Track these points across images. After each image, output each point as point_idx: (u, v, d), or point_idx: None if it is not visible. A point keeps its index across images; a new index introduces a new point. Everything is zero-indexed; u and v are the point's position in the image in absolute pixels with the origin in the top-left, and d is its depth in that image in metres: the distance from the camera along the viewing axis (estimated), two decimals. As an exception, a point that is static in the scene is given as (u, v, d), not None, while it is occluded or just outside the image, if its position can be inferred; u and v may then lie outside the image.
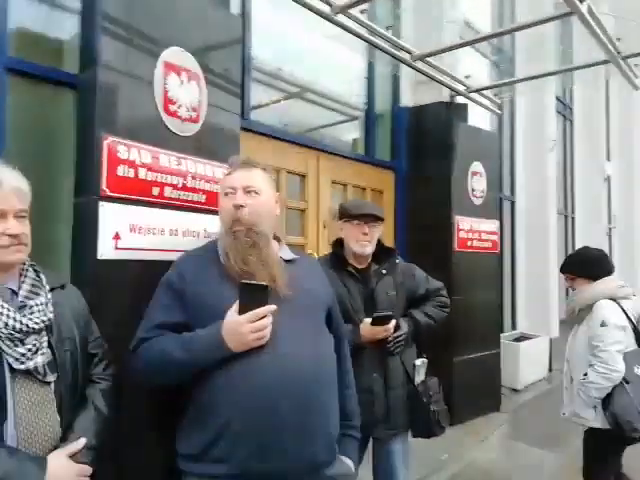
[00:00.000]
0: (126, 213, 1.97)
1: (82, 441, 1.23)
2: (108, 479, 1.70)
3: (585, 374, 2.38)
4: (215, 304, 1.37)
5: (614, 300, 2.47)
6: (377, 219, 2.18)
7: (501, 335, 5.35)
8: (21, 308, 1.20)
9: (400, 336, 2.12)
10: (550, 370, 6.38)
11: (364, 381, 1.99)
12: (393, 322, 2.08)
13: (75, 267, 2.02)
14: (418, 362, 2.20)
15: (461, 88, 4.54)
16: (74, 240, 2.03)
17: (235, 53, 2.59)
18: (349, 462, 1.54)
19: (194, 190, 2.20)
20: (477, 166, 4.61)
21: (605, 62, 3.78)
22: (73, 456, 1.20)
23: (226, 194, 1.51)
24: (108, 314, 1.80)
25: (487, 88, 4.83)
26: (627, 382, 2.28)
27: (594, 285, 2.55)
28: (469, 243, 4.49)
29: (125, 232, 1.96)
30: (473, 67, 4.97)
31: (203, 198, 2.23)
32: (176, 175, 2.14)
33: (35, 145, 2.24)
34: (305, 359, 1.37)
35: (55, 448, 1.19)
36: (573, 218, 9.01)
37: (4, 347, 1.13)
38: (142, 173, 2.02)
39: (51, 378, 1.21)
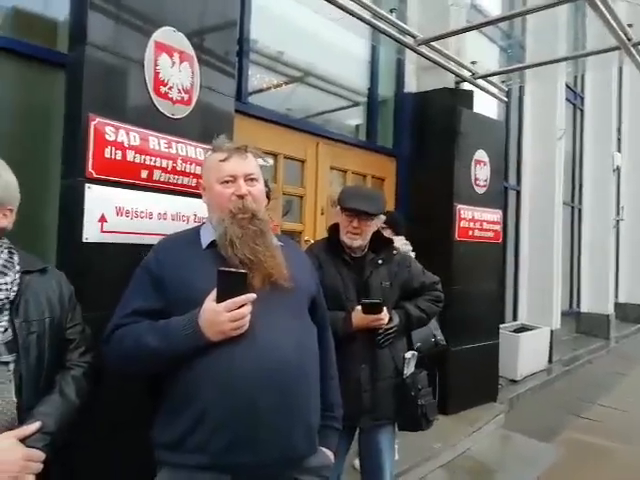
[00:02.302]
0: (113, 196, 1.94)
1: (36, 425, 1.20)
2: (84, 466, 1.72)
3: None
4: (193, 291, 1.33)
5: None
6: (369, 215, 2.08)
7: (501, 326, 5.32)
8: None
9: (391, 328, 2.08)
10: (550, 362, 6.36)
11: (352, 371, 1.97)
12: (386, 311, 2.05)
13: (60, 250, 2.00)
14: (408, 355, 2.17)
15: (467, 74, 4.45)
16: (60, 223, 2.01)
17: (231, 35, 2.54)
18: (328, 453, 1.52)
19: (184, 174, 2.17)
20: (481, 154, 4.54)
21: (616, 49, 3.68)
22: (24, 439, 1.17)
23: (224, 182, 1.46)
24: (92, 298, 1.79)
25: (494, 74, 4.74)
26: None
27: None
28: (470, 232, 4.43)
29: (111, 215, 1.94)
30: (480, 53, 4.86)
31: (194, 182, 2.20)
32: (166, 158, 2.10)
33: (25, 126, 2.21)
34: (285, 349, 1.34)
35: (10, 430, 1.17)
36: (580, 209, 8.89)
37: None
38: (130, 155, 1.99)
39: (8, 358, 1.20)
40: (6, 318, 1.22)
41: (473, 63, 4.53)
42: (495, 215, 4.73)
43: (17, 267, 1.29)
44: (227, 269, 1.29)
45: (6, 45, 2.15)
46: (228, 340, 1.29)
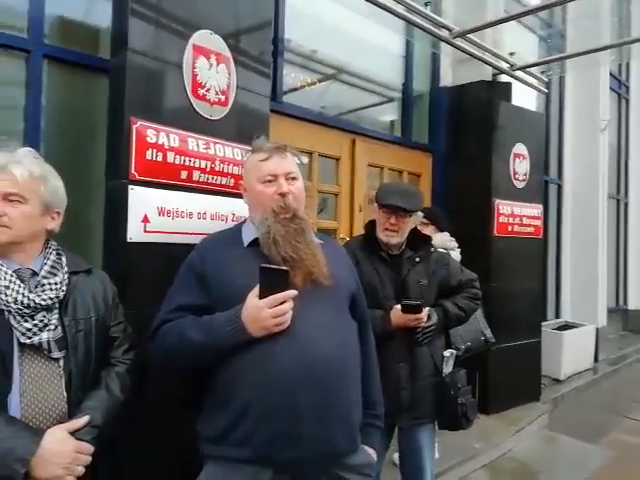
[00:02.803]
0: (155, 197, 2.00)
1: (85, 419, 1.24)
2: (131, 460, 1.78)
3: None
4: (236, 288, 1.36)
5: None
6: (407, 211, 2.07)
7: (543, 323, 5.17)
8: (36, 287, 1.25)
9: (430, 327, 2.06)
10: (596, 360, 6.13)
11: (391, 369, 1.96)
12: (426, 311, 2.03)
13: (106, 250, 2.07)
14: (447, 353, 2.14)
15: (505, 66, 4.34)
16: (105, 223, 2.08)
17: (266, 35, 2.56)
18: (371, 451, 1.52)
19: (222, 174, 2.21)
20: (520, 148, 4.41)
21: (664, 34, 3.51)
22: (74, 432, 1.21)
23: (266, 181, 1.48)
24: (136, 296, 1.85)
25: (533, 65, 4.60)
26: None
27: None
28: (510, 228, 4.33)
29: (154, 215, 1.99)
30: (518, 43, 4.72)
31: (232, 182, 2.24)
32: (204, 159, 2.14)
33: (70, 130, 2.30)
34: (325, 345, 1.34)
35: (60, 423, 1.23)
36: (626, 203, 8.52)
37: (13, 322, 1.19)
38: (170, 157, 2.04)
39: (58, 355, 1.25)
40: (56, 317, 1.27)
41: (511, 54, 4.41)
42: (535, 210, 4.60)
43: (65, 268, 1.34)
44: (269, 266, 1.31)
45: (53, 53, 2.25)
46: (270, 336, 1.31)
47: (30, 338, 1.20)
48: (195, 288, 1.45)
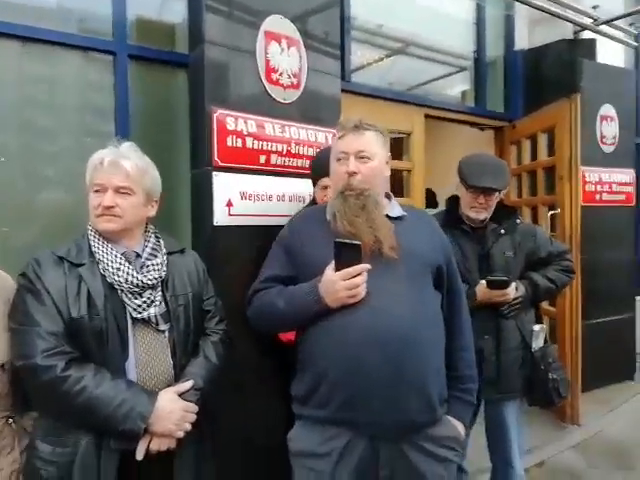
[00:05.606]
0: (237, 182, 2.09)
1: (190, 382, 1.38)
2: (235, 418, 1.96)
3: None
4: (318, 261, 1.42)
5: None
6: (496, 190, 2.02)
7: (638, 298, 4.82)
8: (142, 267, 1.38)
9: (516, 299, 2.01)
10: (700, 337, 5.63)
11: (474, 343, 1.92)
12: (513, 286, 1.98)
13: (195, 233, 2.20)
14: (537, 327, 2.07)
15: (587, 21, 4.03)
16: (193, 209, 2.21)
17: (333, 15, 2.56)
18: (457, 424, 1.51)
19: (298, 156, 2.26)
20: (608, 109, 4.10)
21: None
22: (182, 394, 1.35)
23: (338, 159, 1.52)
24: (223, 274, 1.97)
25: (620, 17, 4.22)
26: None
27: None
28: (597, 197, 4.06)
29: (236, 199, 2.09)
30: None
31: (307, 163, 2.28)
32: (280, 142, 2.21)
33: (155, 125, 2.44)
34: (401, 316, 1.36)
35: (168, 387, 1.37)
36: None
37: (126, 299, 1.32)
38: (249, 142, 2.12)
39: (164, 327, 1.38)
40: (160, 294, 1.40)
41: (594, 8, 4.08)
42: (627, 175, 4.26)
43: (164, 250, 1.47)
44: (342, 240, 1.35)
45: (135, 52, 2.38)
46: (345, 307, 1.36)
47: (140, 313, 1.33)
48: (283, 261, 1.55)
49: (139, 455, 1.27)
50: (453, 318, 1.57)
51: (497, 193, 2.05)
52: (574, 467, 3.09)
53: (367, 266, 1.35)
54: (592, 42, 4.13)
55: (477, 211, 2.06)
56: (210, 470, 1.48)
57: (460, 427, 1.52)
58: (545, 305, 3.50)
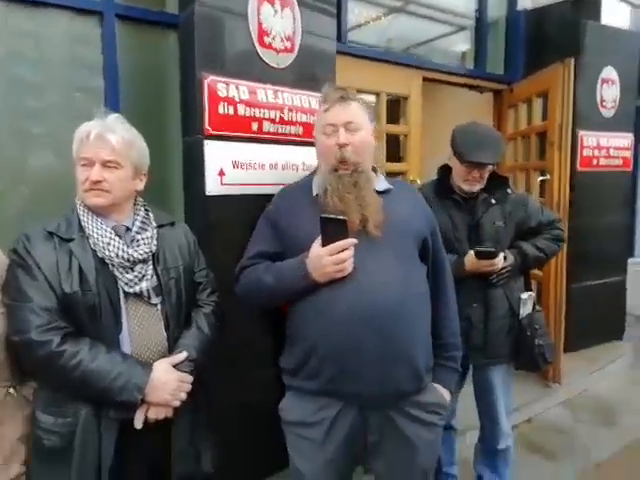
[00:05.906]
0: (228, 150, 2.06)
1: (184, 354, 1.41)
2: (229, 389, 2.00)
3: None
4: (304, 236, 1.44)
5: None
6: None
7: (630, 260, 4.87)
8: (132, 242, 1.39)
9: (504, 268, 2.03)
10: (688, 299, 5.74)
11: (463, 311, 1.95)
12: (501, 256, 2.00)
13: (188, 204, 2.19)
14: (524, 295, 2.11)
15: (593, -21, 3.88)
16: (185, 179, 2.19)
17: (329, -29, 2.45)
18: (443, 391, 1.56)
19: (291, 123, 2.23)
20: (609, 72, 4.00)
21: None
22: (176, 365, 1.38)
23: (326, 133, 1.50)
24: (216, 245, 1.98)
25: (627, -25, 4.07)
26: None
27: None
28: (595, 162, 4.02)
29: (229, 168, 2.07)
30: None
31: (300, 130, 2.25)
32: (273, 109, 2.17)
33: (145, 88, 2.37)
34: (388, 290, 1.39)
35: (163, 358, 1.40)
36: None
37: (117, 273, 1.33)
38: (241, 109, 2.08)
39: (156, 300, 1.40)
40: (151, 267, 1.41)
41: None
42: (625, 140, 4.22)
43: (153, 223, 1.48)
44: (328, 215, 1.36)
45: (122, 12, 2.28)
46: (333, 282, 1.39)
47: (132, 287, 1.35)
48: (269, 236, 1.56)
49: (138, 424, 1.32)
50: (438, 288, 1.60)
51: (492, 166, 2.05)
52: (561, 423, 3.24)
53: (353, 241, 1.36)
54: (597, 2, 3.99)
55: (470, 184, 2.06)
56: (206, 437, 1.54)
57: (445, 393, 1.58)
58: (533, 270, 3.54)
